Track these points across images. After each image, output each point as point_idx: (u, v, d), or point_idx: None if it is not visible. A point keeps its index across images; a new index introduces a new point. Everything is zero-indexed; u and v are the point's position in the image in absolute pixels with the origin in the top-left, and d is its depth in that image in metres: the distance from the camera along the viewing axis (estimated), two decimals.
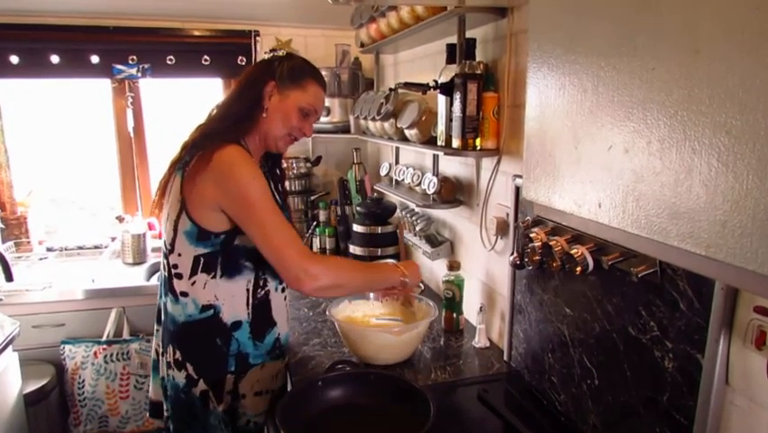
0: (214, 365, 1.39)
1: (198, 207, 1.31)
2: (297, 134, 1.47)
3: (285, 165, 1.68)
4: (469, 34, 1.66)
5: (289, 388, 1.61)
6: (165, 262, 1.41)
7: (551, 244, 1.23)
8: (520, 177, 1.48)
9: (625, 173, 0.69)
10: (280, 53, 1.48)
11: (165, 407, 1.47)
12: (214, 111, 1.46)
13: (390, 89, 2.03)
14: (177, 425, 1.44)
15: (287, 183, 2.91)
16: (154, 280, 2.68)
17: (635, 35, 0.66)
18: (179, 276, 1.37)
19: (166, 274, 1.41)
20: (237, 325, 1.40)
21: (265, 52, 1.48)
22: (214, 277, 1.36)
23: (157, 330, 1.52)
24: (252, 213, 1.28)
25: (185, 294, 1.37)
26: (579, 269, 1.14)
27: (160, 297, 1.48)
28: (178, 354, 1.39)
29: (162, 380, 1.46)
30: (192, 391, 1.39)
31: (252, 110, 1.40)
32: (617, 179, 0.71)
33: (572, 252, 1.16)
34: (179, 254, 1.36)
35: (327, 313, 1.67)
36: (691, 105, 0.58)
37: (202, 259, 1.35)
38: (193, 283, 1.36)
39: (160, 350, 1.47)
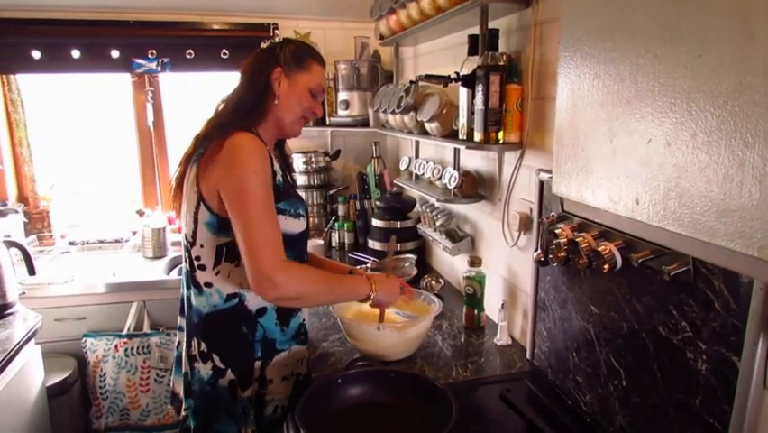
0: (240, 353, 1.40)
1: (213, 195, 1.31)
2: (310, 115, 1.47)
3: (290, 154, 1.67)
4: (491, 25, 1.63)
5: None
6: (187, 255, 1.41)
7: (577, 240, 1.19)
8: (544, 171, 1.44)
9: (666, 168, 0.65)
10: (277, 40, 1.47)
11: (186, 404, 1.46)
12: (223, 104, 1.45)
13: (411, 82, 2.00)
14: (203, 418, 1.42)
15: (306, 178, 2.91)
16: (174, 274, 2.69)
17: (680, 20, 0.62)
18: (203, 267, 1.37)
19: (188, 267, 1.41)
20: (262, 311, 1.40)
21: (262, 43, 1.46)
22: (237, 265, 1.35)
23: (180, 325, 1.52)
24: (244, 204, 1.27)
25: (209, 285, 1.37)
26: (606, 266, 1.11)
27: (183, 291, 1.48)
28: (203, 346, 1.39)
29: (186, 375, 1.45)
30: (219, 383, 1.39)
31: (263, 98, 1.40)
32: (658, 174, 0.67)
33: (600, 249, 1.12)
34: (202, 246, 1.36)
35: (331, 308, 1.65)
36: (743, 94, 0.54)
37: (225, 248, 1.35)
38: (217, 273, 1.36)
39: (184, 344, 1.47)
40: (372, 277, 1.51)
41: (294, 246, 1.42)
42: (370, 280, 1.47)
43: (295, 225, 1.42)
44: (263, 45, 1.46)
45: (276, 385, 1.44)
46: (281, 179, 1.41)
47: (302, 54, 1.44)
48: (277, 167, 1.41)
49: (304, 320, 1.51)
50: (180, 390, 1.51)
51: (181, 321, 1.52)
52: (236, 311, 1.38)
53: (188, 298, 1.43)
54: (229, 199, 1.29)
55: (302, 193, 2.91)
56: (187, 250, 1.40)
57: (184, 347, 1.47)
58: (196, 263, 1.38)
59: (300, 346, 1.50)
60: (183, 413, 1.46)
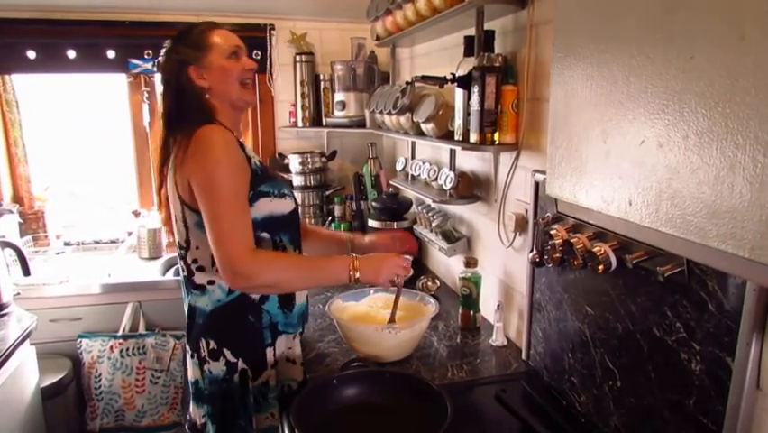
0: (251, 342, 1.41)
1: (189, 191, 1.31)
2: (246, 76, 1.40)
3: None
4: (487, 26, 1.63)
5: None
6: (182, 262, 1.41)
7: (572, 241, 1.19)
8: (540, 172, 1.45)
9: (658, 169, 0.65)
10: (166, 44, 1.41)
11: (202, 411, 1.43)
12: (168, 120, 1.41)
13: (407, 83, 2.00)
14: (222, 418, 1.41)
15: (302, 178, 2.91)
16: (170, 275, 2.68)
17: (672, 22, 0.63)
18: (202, 269, 1.37)
19: (186, 273, 1.41)
20: (265, 298, 1.40)
21: (159, 58, 1.43)
22: None
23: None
24: (209, 196, 1.26)
25: (211, 282, 1.37)
26: (601, 267, 1.11)
27: (185, 300, 1.46)
28: (212, 345, 1.39)
29: (196, 383, 1.43)
30: (233, 378, 1.39)
31: (201, 99, 1.37)
32: (651, 176, 0.67)
33: (595, 249, 1.12)
34: (197, 247, 1.36)
35: (327, 309, 1.65)
36: (735, 96, 0.54)
37: None
38: (217, 270, 1.34)
39: (190, 352, 1.45)
40: (356, 256, 1.40)
41: (286, 227, 1.41)
42: (351, 260, 1.37)
43: (283, 206, 1.40)
44: (159, 60, 1.41)
45: (282, 366, 1.46)
46: (258, 163, 1.39)
47: (196, 37, 1.38)
48: (249, 151, 1.39)
49: (306, 303, 1.51)
50: (198, 418, 1.46)
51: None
52: (240, 302, 1.38)
53: (190, 305, 1.43)
54: (197, 192, 1.28)
55: (298, 194, 2.92)
56: (182, 257, 1.40)
57: (189, 355, 1.45)
58: (193, 267, 1.38)
59: (301, 331, 1.54)
60: (201, 420, 1.44)
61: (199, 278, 1.38)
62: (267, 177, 1.39)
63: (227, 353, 1.39)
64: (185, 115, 1.35)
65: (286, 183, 1.45)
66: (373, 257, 1.45)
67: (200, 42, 1.37)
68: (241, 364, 1.39)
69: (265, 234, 1.38)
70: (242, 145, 1.35)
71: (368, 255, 1.45)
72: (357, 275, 1.36)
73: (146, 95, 2.97)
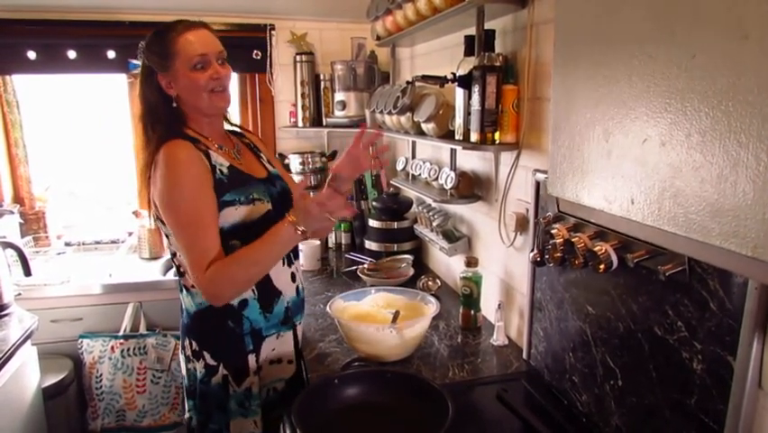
0: (231, 348, 1.42)
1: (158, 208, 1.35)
2: (215, 85, 1.36)
3: (251, 134, 1.65)
4: (487, 26, 1.63)
5: (305, 374, 1.62)
6: (174, 264, 1.45)
7: (573, 240, 1.19)
8: (540, 171, 1.45)
9: (661, 168, 0.65)
10: (140, 47, 1.40)
11: (188, 406, 1.48)
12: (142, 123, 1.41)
13: (407, 82, 2.00)
14: (200, 417, 1.45)
15: (302, 178, 2.90)
16: (170, 275, 2.68)
17: (674, 21, 0.63)
18: (184, 273, 1.42)
19: (176, 272, 1.46)
20: (244, 304, 1.41)
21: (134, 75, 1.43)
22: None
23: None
24: (171, 223, 1.31)
25: (193, 286, 1.40)
26: (602, 267, 1.11)
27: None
28: (194, 345, 1.42)
29: (184, 378, 1.48)
30: (212, 380, 1.41)
31: (170, 107, 1.38)
32: (653, 174, 0.67)
33: (596, 249, 1.12)
34: (179, 254, 1.39)
35: (328, 309, 1.65)
36: (737, 94, 0.54)
37: None
38: None
39: (180, 347, 1.50)
40: (292, 212, 1.32)
41: (261, 233, 1.36)
42: (289, 219, 1.30)
43: (252, 212, 1.36)
44: (135, 72, 1.45)
45: (265, 370, 1.47)
46: (226, 171, 1.36)
47: (161, 45, 1.36)
48: (219, 159, 1.36)
49: (288, 303, 1.49)
50: (186, 410, 1.51)
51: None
52: (219, 307, 1.38)
53: (181, 303, 1.48)
54: (161, 214, 1.32)
55: None
56: (173, 257, 1.44)
57: (180, 349, 1.50)
58: (180, 270, 1.43)
59: (288, 330, 1.51)
60: (187, 415, 1.48)
61: (185, 280, 1.42)
62: (233, 184, 1.35)
63: (207, 355, 1.41)
64: (158, 123, 1.36)
65: (260, 185, 1.41)
66: (309, 206, 1.29)
67: (167, 50, 1.35)
68: (222, 370, 1.41)
69: (236, 242, 1.35)
70: (207, 155, 1.34)
71: (303, 208, 1.30)
72: (301, 229, 1.29)
73: None
